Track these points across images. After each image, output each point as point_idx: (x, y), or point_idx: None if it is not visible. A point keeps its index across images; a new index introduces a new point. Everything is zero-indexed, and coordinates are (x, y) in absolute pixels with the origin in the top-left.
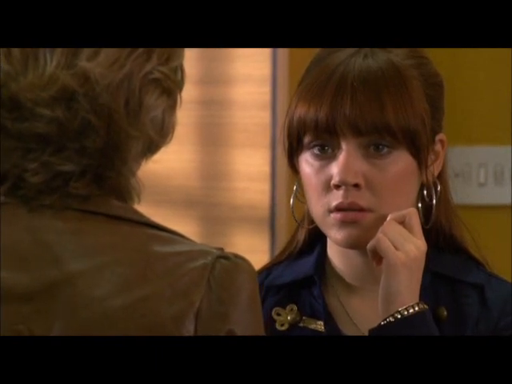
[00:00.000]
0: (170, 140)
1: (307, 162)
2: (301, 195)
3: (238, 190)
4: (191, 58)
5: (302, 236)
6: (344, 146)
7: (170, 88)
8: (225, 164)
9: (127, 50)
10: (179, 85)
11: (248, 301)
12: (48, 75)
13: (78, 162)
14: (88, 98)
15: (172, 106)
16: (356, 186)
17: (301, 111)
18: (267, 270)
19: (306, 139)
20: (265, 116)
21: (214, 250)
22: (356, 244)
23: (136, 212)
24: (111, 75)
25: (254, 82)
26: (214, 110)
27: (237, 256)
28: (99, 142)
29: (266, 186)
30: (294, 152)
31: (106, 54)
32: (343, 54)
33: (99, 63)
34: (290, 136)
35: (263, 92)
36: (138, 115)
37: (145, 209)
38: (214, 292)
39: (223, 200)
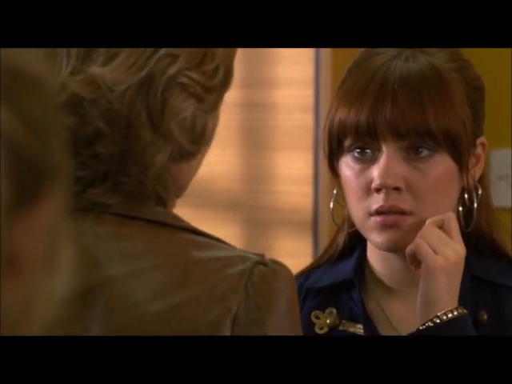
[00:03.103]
0: (208, 144)
1: (347, 165)
2: (341, 199)
3: (281, 193)
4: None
5: (341, 239)
6: (385, 149)
7: (198, 93)
8: (267, 167)
9: (147, 52)
10: (215, 88)
11: (285, 307)
12: (61, 82)
13: (95, 167)
14: (97, 105)
15: (205, 110)
16: (397, 189)
17: (341, 114)
18: (307, 273)
19: (347, 142)
20: (307, 119)
21: (253, 256)
22: (396, 247)
23: (176, 217)
24: (129, 80)
25: (296, 85)
26: (256, 112)
27: (275, 262)
28: (112, 148)
29: (308, 189)
30: (334, 155)
31: (123, 58)
32: (384, 56)
33: (113, 68)
34: (330, 139)
35: (306, 95)
36: (161, 120)
37: (187, 212)
38: (252, 298)
39: (266, 203)
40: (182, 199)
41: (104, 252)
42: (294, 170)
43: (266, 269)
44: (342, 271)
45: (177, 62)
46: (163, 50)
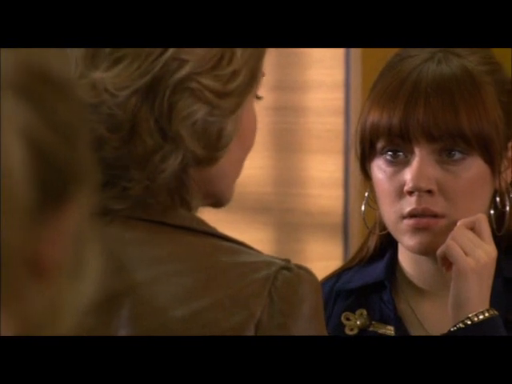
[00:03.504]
0: (224, 151)
1: (380, 168)
2: (372, 201)
3: (311, 196)
4: (265, 65)
5: (372, 242)
6: (417, 151)
7: (208, 97)
8: (298, 170)
9: (152, 57)
10: (232, 92)
11: (310, 312)
12: None
13: (103, 172)
14: (100, 110)
15: (221, 115)
16: (429, 191)
17: (374, 117)
18: (337, 274)
19: (379, 145)
20: (338, 122)
21: (278, 261)
22: (428, 250)
23: (202, 222)
24: (133, 84)
25: (327, 88)
26: (287, 116)
27: (300, 267)
28: (115, 153)
29: (339, 192)
30: (366, 158)
31: (127, 62)
32: (417, 59)
33: (117, 73)
34: (362, 142)
35: (336, 98)
36: (169, 125)
37: (218, 215)
38: (275, 303)
39: (296, 206)
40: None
41: (130, 257)
42: (324, 173)
43: (291, 274)
44: (373, 273)
45: (184, 67)
46: (170, 55)
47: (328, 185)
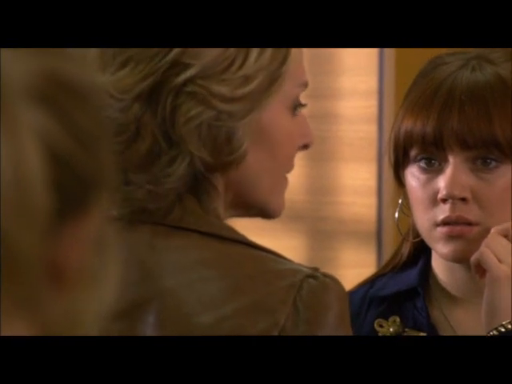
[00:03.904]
0: (235, 156)
1: (413, 176)
2: (406, 209)
3: (345, 204)
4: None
5: (406, 249)
6: (451, 159)
7: (210, 101)
8: (331, 178)
9: (156, 61)
10: (243, 96)
11: (335, 321)
12: None
13: None
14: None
15: (230, 119)
16: (463, 199)
17: (407, 124)
18: (371, 281)
19: (413, 152)
20: (371, 130)
21: (305, 269)
22: (462, 258)
23: (230, 229)
24: (137, 88)
25: (360, 96)
26: (320, 123)
27: (326, 275)
28: (118, 157)
29: (372, 200)
30: (399, 165)
31: (132, 66)
32: (451, 67)
33: (121, 77)
34: (396, 149)
35: (369, 106)
36: (173, 130)
37: (252, 223)
38: (300, 312)
39: (330, 214)
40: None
41: (156, 263)
42: (357, 181)
43: (316, 282)
44: (406, 280)
45: (188, 70)
46: (174, 58)
47: (361, 192)
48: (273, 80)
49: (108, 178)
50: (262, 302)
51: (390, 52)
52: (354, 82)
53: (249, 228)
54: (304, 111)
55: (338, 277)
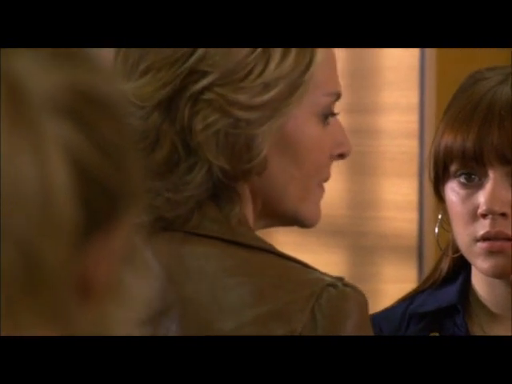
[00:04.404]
0: (253, 164)
1: (453, 191)
2: (446, 224)
3: (386, 219)
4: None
5: (445, 265)
6: (491, 174)
7: (227, 109)
8: (372, 193)
9: (174, 68)
10: (262, 104)
11: (353, 330)
12: None
13: None
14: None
15: (249, 127)
16: (503, 215)
17: (447, 139)
18: (410, 297)
19: (453, 168)
20: (412, 145)
21: (328, 279)
22: (502, 273)
23: (257, 238)
24: (156, 96)
25: (401, 111)
26: (361, 138)
27: (347, 285)
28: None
29: (413, 215)
30: (439, 180)
31: (151, 74)
32: (490, 82)
33: (141, 85)
34: (436, 164)
35: (411, 120)
36: (190, 137)
37: (292, 238)
38: (318, 320)
39: (371, 229)
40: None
41: (177, 270)
42: (398, 196)
43: (336, 291)
44: (445, 296)
45: (206, 78)
46: (192, 66)
47: (402, 207)
48: (294, 88)
49: (136, 190)
50: (281, 311)
51: (431, 66)
52: (395, 97)
53: (288, 243)
54: (345, 125)
55: (379, 292)
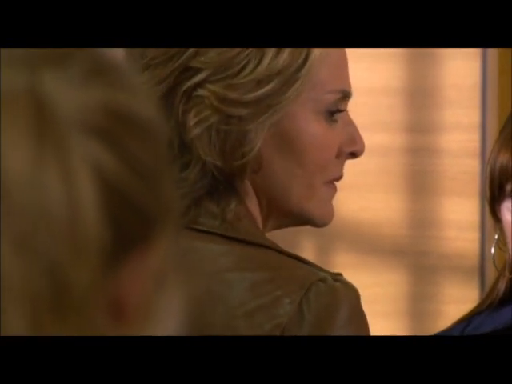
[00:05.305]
0: (246, 160)
1: (509, 210)
2: (502, 244)
3: (447, 238)
4: (399, 106)
5: (502, 285)
6: None
7: (217, 106)
8: (434, 212)
9: (170, 64)
10: (254, 100)
11: (341, 324)
12: None
13: None
14: None
15: (235, 124)
16: None
17: (503, 159)
18: (468, 319)
19: (509, 187)
20: (474, 164)
21: (322, 274)
22: None
23: (254, 234)
24: (153, 91)
25: (463, 130)
26: (422, 157)
27: (337, 280)
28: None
29: (475, 235)
30: (495, 200)
31: (151, 70)
32: None
33: (142, 81)
34: (491, 184)
35: (472, 139)
36: (185, 134)
37: (352, 257)
38: (304, 314)
39: (432, 249)
40: (346, 244)
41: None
42: (460, 216)
43: (324, 286)
44: (503, 318)
45: (198, 75)
46: (186, 63)
47: (464, 227)
48: (289, 84)
49: (170, 210)
50: (272, 304)
51: (492, 85)
52: (456, 116)
53: (348, 264)
54: (406, 144)
55: (440, 312)
